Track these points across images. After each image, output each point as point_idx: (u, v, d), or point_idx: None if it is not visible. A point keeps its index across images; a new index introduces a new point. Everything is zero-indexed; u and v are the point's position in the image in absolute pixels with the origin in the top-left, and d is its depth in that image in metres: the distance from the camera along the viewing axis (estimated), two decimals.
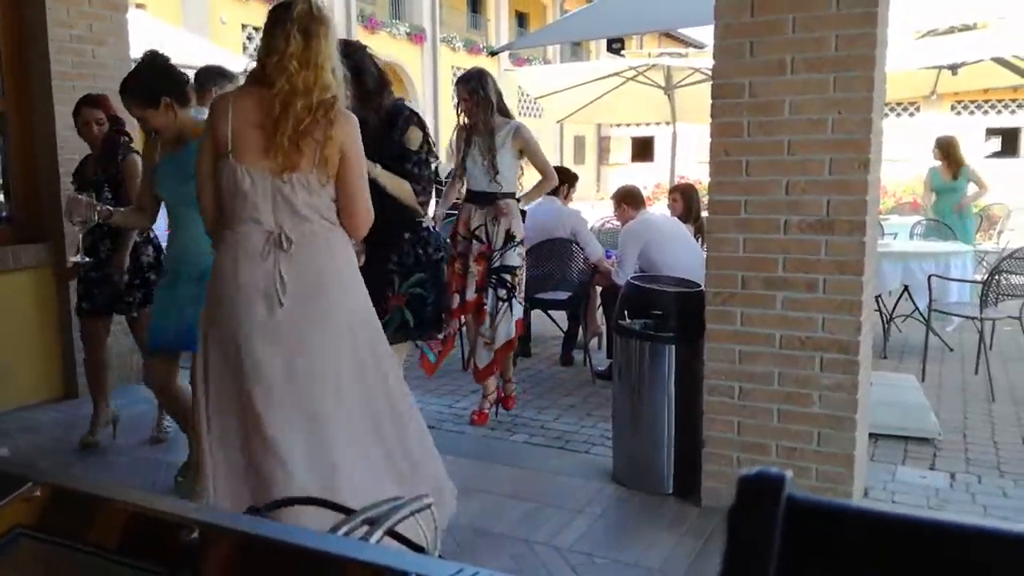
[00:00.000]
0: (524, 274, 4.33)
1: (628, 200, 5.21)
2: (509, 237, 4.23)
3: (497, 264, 4.17)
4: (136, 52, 4.97)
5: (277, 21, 2.27)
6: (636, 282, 3.62)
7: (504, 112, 4.26)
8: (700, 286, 3.41)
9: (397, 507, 0.69)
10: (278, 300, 2.25)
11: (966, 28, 7.08)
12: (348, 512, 0.71)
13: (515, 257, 4.21)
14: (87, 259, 3.39)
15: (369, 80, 3.06)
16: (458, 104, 4.22)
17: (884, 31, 2.82)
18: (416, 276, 3.08)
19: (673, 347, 3.29)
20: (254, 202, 2.27)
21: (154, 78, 2.96)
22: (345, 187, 2.35)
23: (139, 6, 10.43)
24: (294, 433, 2.24)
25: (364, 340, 2.41)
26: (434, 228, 3.40)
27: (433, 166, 3.18)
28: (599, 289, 5.60)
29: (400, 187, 3.01)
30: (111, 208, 3.19)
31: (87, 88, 4.26)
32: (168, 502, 0.67)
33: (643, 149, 29.82)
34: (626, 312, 3.46)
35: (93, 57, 4.66)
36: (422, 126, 3.15)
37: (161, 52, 3.08)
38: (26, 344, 4.59)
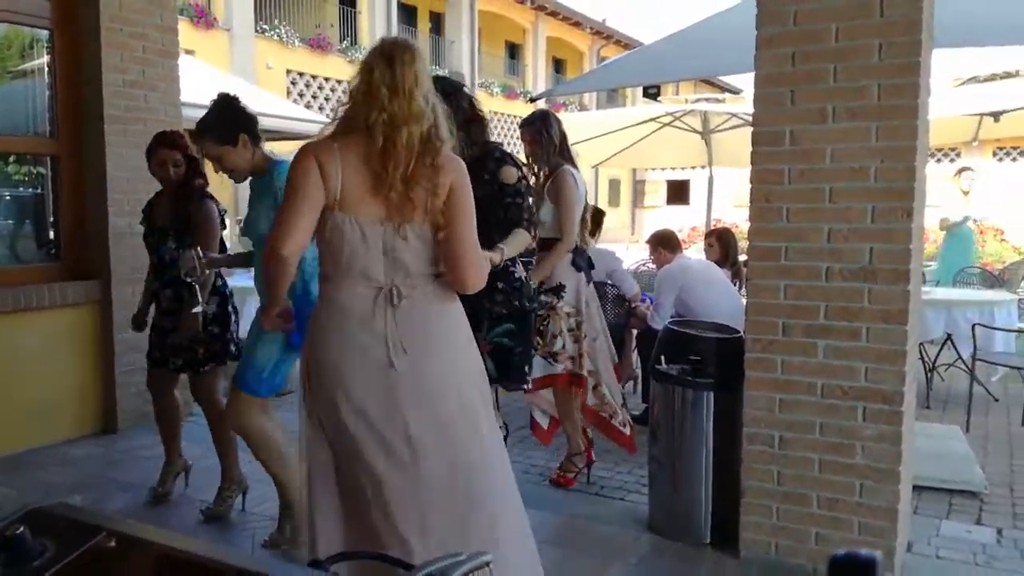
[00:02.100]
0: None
1: (665, 244, 5.21)
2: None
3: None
4: (185, 96, 5.14)
5: (360, 65, 2.18)
6: (674, 327, 3.60)
7: (566, 155, 4.06)
8: (738, 332, 3.38)
9: (458, 563, 0.68)
10: (390, 362, 2.09)
11: (1008, 75, 7.03)
12: (408, 567, 0.71)
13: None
14: (209, 307, 3.45)
15: (460, 115, 2.85)
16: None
17: (927, 80, 2.82)
18: (504, 326, 2.94)
19: (711, 393, 3.25)
20: (364, 256, 2.10)
21: (232, 116, 3.04)
22: (454, 239, 2.14)
23: (188, 52, 10.75)
24: (412, 506, 2.11)
25: (468, 405, 2.20)
26: (526, 279, 3.23)
27: (530, 201, 3.01)
28: (634, 332, 5.57)
29: (519, 243, 2.83)
30: (214, 256, 3.30)
31: (139, 132, 4.40)
32: (235, 555, 0.68)
33: (678, 192, 29.86)
34: (663, 357, 3.43)
35: (145, 102, 4.81)
36: (517, 166, 3.01)
37: (230, 94, 3.14)
38: (68, 379, 4.68)
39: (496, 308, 2.94)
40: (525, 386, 3.30)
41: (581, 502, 3.78)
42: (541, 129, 3.99)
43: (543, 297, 3.86)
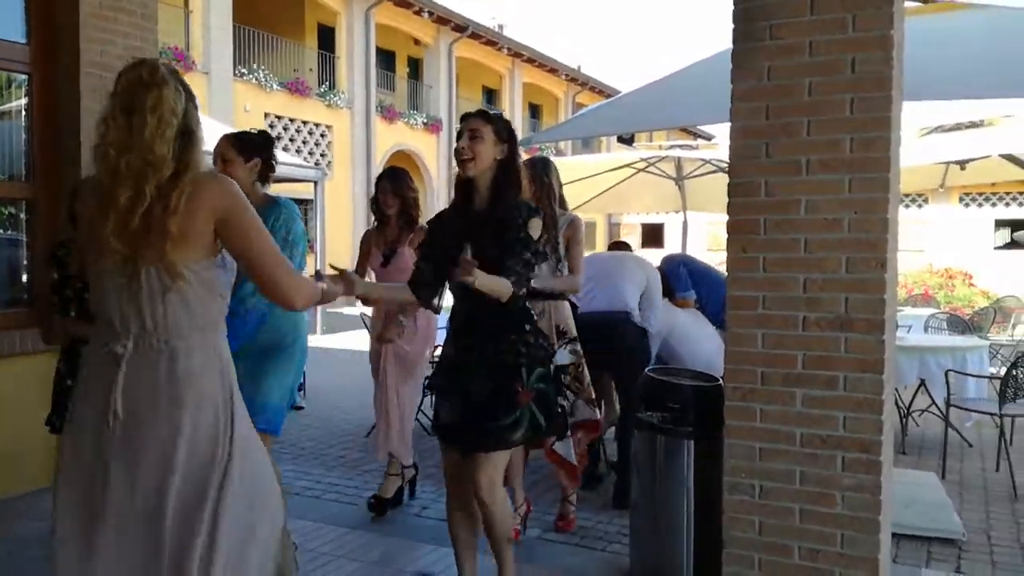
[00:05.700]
0: (584, 370, 3.99)
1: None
2: (560, 333, 3.90)
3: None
4: None
5: (109, 96, 2.00)
6: (653, 374, 3.60)
7: (563, 204, 4.05)
8: (717, 380, 3.39)
9: None
10: (107, 421, 1.93)
11: (973, 125, 7.23)
12: None
13: (566, 355, 3.89)
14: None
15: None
16: None
17: (898, 133, 2.89)
18: (538, 371, 2.83)
19: (691, 442, 3.25)
20: (103, 306, 1.98)
21: (259, 142, 3.58)
22: (254, 263, 2.00)
23: None
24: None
25: (181, 488, 1.94)
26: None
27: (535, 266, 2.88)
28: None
29: (496, 286, 2.68)
30: None
31: None
32: None
33: (653, 236, 30.10)
34: (643, 404, 3.43)
35: None
36: (545, 222, 2.91)
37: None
38: (37, 427, 4.55)
39: (532, 350, 2.83)
40: (569, 433, 3.18)
41: (562, 552, 3.73)
42: (541, 174, 3.91)
43: (574, 346, 3.94)
